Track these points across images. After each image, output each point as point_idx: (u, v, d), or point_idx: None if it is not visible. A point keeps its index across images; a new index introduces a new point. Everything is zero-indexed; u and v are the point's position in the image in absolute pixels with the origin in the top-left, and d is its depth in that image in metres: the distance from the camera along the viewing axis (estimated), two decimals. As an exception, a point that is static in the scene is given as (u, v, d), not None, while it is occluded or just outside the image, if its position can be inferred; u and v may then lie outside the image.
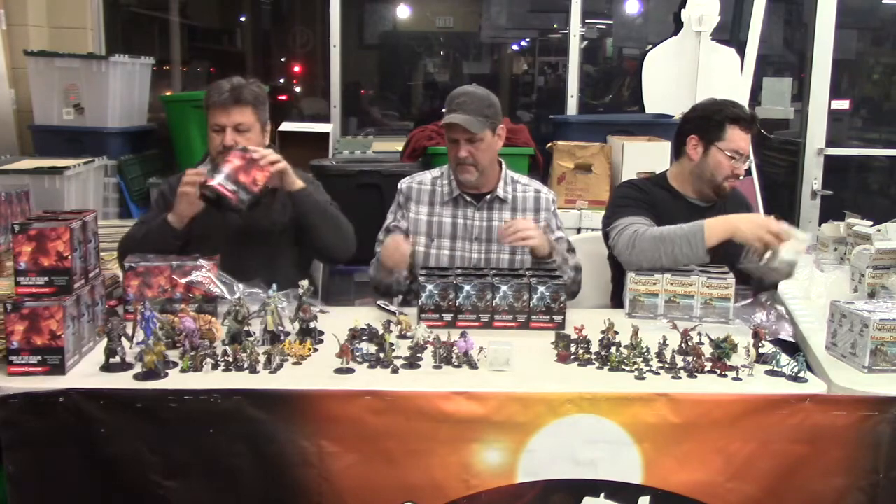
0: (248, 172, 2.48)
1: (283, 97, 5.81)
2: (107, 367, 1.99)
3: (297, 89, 6.03)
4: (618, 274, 2.85)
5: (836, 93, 5.02)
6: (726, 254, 2.59)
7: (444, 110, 2.79)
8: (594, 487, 1.88)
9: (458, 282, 2.37)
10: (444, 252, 2.80)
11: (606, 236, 2.87)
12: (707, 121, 2.78)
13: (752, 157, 4.61)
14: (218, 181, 2.44)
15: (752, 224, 2.51)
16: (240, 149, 2.53)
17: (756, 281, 2.79)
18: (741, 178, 2.77)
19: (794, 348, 2.47)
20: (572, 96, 4.83)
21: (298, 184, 2.65)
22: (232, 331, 2.16)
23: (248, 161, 2.49)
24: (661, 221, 2.72)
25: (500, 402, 1.87)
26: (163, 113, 4.46)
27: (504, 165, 2.87)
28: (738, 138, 2.72)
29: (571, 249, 2.85)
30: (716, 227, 2.52)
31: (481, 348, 2.08)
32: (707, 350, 2.12)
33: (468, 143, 2.69)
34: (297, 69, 6.07)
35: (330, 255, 2.84)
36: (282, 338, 2.18)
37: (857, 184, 5.76)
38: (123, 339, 2.01)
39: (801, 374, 2.03)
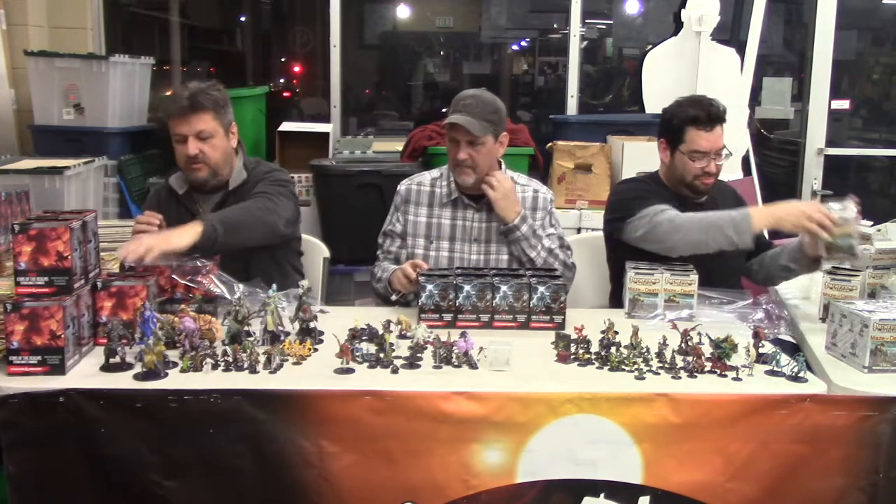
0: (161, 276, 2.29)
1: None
2: (107, 367, 1.99)
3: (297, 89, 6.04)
4: (617, 273, 2.85)
5: (836, 93, 5.01)
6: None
7: (446, 110, 2.79)
8: (594, 487, 1.88)
9: (458, 282, 2.37)
10: (444, 254, 2.80)
11: (610, 235, 2.87)
12: (668, 124, 2.79)
13: (751, 155, 4.62)
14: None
15: (793, 214, 2.45)
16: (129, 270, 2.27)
17: (761, 277, 2.80)
18: (713, 173, 2.74)
19: (794, 348, 2.47)
20: (572, 96, 4.83)
21: (187, 242, 2.34)
22: (232, 331, 2.17)
23: (154, 273, 2.27)
24: None
25: (500, 402, 1.87)
26: (163, 113, 4.46)
27: (503, 166, 2.87)
28: (697, 138, 2.69)
29: (565, 247, 2.83)
30: (760, 217, 2.51)
31: (481, 348, 2.08)
32: (707, 350, 2.12)
33: (468, 146, 2.68)
34: (297, 69, 6.07)
35: (262, 245, 2.70)
36: (282, 338, 2.18)
37: (857, 184, 5.76)
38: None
39: (801, 374, 2.03)
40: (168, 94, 2.69)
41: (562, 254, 2.78)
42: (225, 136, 2.71)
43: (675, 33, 4.66)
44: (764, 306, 2.47)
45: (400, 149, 4.28)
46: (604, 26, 5.65)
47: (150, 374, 1.95)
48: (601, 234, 3.01)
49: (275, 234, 2.68)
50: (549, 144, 4.26)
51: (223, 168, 2.74)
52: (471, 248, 2.79)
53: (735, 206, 2.86)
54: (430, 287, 2.36)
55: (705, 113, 2.69)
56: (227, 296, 2.26)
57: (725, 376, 2.04)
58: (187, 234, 2.36)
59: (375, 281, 2.80)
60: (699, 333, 2.18)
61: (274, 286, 2.25)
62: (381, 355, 2.07)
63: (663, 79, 4.63)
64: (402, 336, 2.26)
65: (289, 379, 1.97)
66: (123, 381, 1.93)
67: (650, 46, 4.87)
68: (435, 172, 2.91)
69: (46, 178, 3.56)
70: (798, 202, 2.49)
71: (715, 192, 2.86)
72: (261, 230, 2.61)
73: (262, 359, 2.02)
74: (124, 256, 2.25)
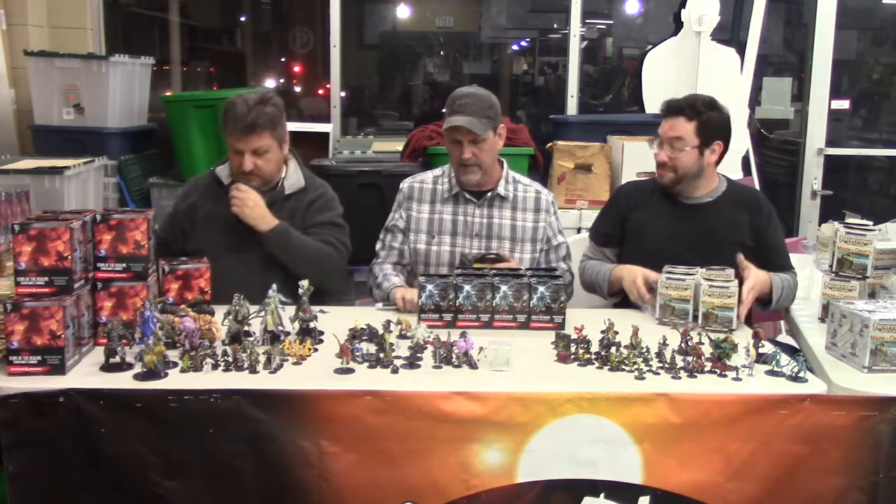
0: None
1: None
2: (107, 367, 1.99)
3: (298, 89, 6.03)
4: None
5: (836, 93, 5.01)
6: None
7: (444, 111, 2.80)
8: (594, 487, 1.89)
9: (458, 282, 2.37)
10: (445, 248, 2.81)
11: None
12: None
13: (751, 155, 4.62)
14: None
15: (629, 280, 2.66)
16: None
17: None
18: (661, 162, 2.78)
19: (793, 348, 2.47)
20: (572, 96, 4.83)
21: (262, 227, 2.63)
22: (232, 331, 2.17)
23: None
24: (644, 222, 2.81)
25: (500, 402, 1.87)
26: (163, 113, 4.46)
27: (506, 165, 2.88)
28: (663, 126, 2.81)
29: (568, 256, 2.87)
30: (613, 277, 2.75)
31: (481, 348, 2.08)
32: (707, 350, 2.12)
33: (472, 145, 2.71)
34: (297, 69, 6.07)
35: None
36: (282, 338, 2.18)
37: (857, 184, 5.76)
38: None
39: (801, 374, 2.03)
40: (227, 105, 2.70)
41: (564, 264, 2.85)
42: (279, 149, 2.77)
43: (675, 33, 4.65)
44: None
45: (400, 149, 4.28)
46: (604, 26, 5.64)
47: (150, 374, 1.95)
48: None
49: (320, 285, 2.42)
50: (549, 144, 4.26)
51: (275, 177, 2.79)
52: (472, 243, 2.80)
53: (747, 215, 2.81)
54: (429, 287, 2.36)
55: (666, 104, 2.83)
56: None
57: (725, 376, 2.04)
58: (263, 224, 2.63)
59: (375, 285, 2.81)
60: (699, 333, 2.18)
61: (274, 286, 2.25)
62: (381, 355, 2.07)
63: (663, 79, 4.63)
64: (402, 336, 2.26)
65: (289, 379, 1.97)
66: (123, 381, 1.93)
67: (650, 46, 4.87)
68: (437, 171, 2.92)
69: (46, 178, 3.55)
70: (636, 274, 2.64)
71: (723, 197, 2.84)
72: (315, 275, 2.42)
73: (262, 359, 2.03)
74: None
